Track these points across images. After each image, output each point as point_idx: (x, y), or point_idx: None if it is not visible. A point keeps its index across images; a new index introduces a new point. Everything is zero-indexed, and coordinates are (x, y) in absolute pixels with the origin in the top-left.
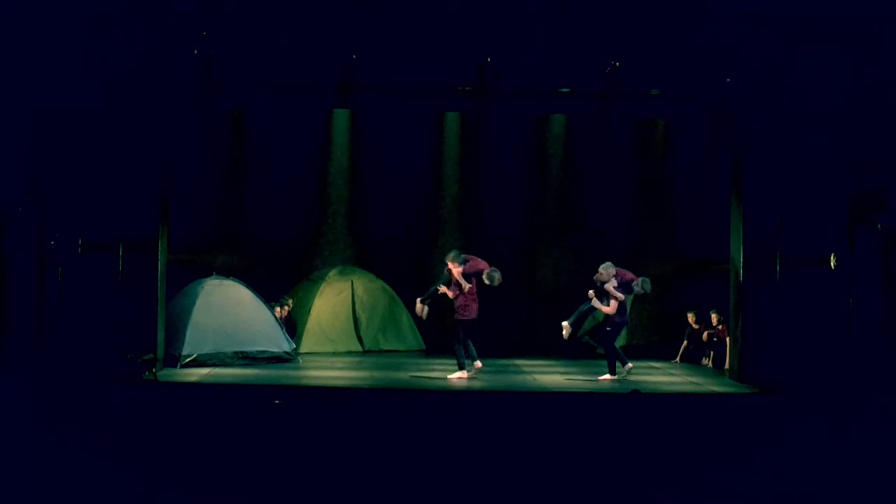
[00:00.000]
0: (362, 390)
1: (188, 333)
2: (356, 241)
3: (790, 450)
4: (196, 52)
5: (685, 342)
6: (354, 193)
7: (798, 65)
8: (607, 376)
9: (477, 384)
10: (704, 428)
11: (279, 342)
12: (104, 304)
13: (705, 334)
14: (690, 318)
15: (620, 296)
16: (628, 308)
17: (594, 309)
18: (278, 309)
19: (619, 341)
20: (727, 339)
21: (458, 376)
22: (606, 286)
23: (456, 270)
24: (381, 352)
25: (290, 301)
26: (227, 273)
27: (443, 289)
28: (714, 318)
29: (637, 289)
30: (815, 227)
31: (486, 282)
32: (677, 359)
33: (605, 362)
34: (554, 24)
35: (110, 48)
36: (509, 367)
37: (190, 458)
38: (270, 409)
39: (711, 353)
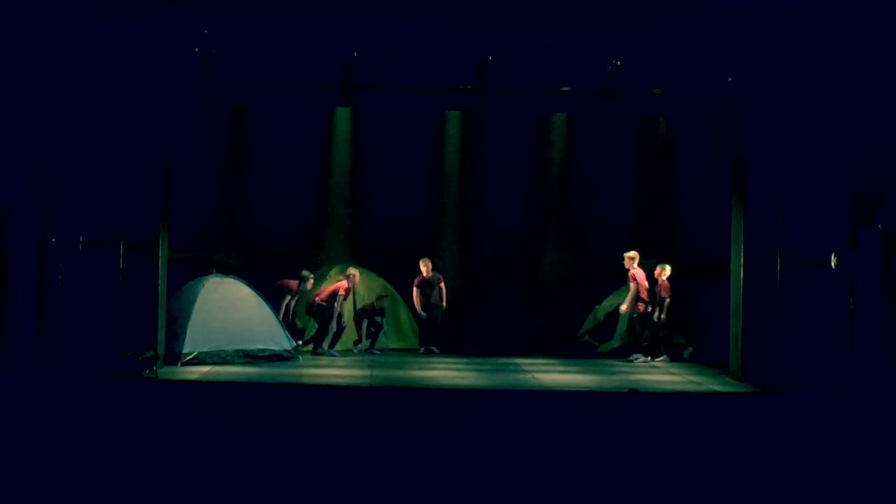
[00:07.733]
0: (363, 389)
1: (189, 331)
2: (357, 239)
3: (790, 449)
4: (197, 49)
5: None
6: (355, 192)
7: (800, 63)
8: None
9: (477, 383)
10: (704, 427)
11: (280, 340)
12: (105, 302)
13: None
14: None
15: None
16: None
17: None
18: (311, 280)
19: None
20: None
21: None
22: None
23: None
24: (381, 350)
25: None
26: (227, 271)
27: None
28: (658, 270)
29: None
30: (816, 227)
31: None
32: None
33: (605, 361)
34: (555, 23)
35: (112, 44)
36: (509, 365)
37: (190, 457)
38: (271, 408)
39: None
